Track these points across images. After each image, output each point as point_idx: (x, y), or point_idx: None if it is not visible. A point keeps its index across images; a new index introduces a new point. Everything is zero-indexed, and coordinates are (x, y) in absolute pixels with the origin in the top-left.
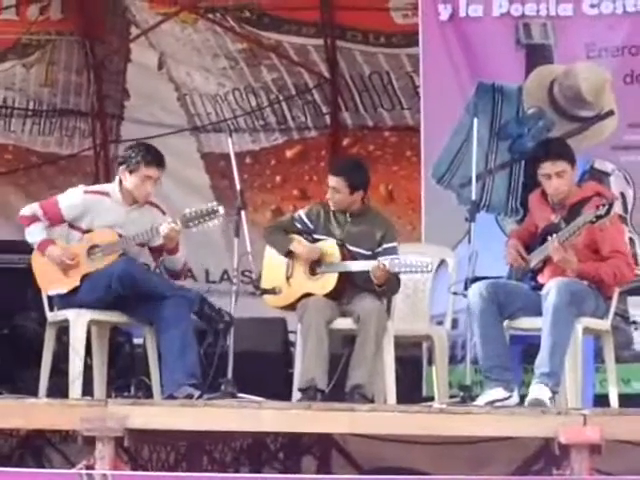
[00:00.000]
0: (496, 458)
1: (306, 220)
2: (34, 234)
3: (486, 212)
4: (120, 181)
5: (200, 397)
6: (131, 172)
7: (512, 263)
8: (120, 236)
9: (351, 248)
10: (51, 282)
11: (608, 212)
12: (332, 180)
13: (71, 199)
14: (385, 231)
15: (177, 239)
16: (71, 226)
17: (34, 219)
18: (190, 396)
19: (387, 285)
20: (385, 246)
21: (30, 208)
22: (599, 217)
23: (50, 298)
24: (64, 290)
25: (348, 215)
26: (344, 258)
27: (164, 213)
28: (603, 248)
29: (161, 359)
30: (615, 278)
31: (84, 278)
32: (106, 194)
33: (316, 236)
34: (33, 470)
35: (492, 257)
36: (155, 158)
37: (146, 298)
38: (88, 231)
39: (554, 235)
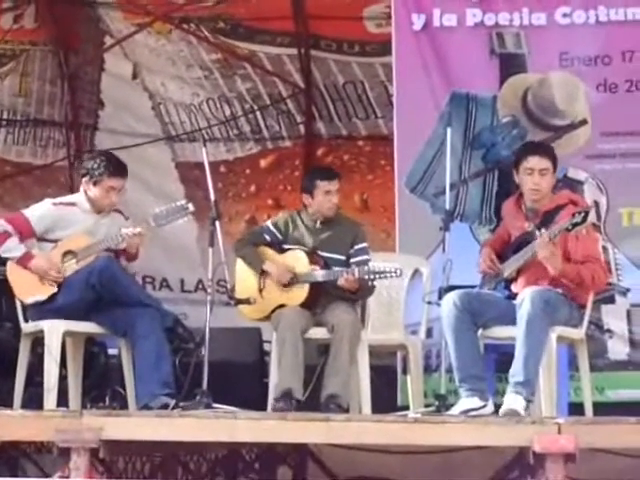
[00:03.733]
0: (471, 467)
1: (274, 230)
2: (12, 249)
3: (460, 221)
4: (85, 191)
5: (175, 406)
6: (95, 184)
7: (485, 271)
8: (92, 241)
9: (324, 254)
10: (29, 291)
11: (584, 220)
12: (335, 184)
13: (40, 212)
14: (355, 233)
15: (138, 245)
16: (40, 239)
17: (6, 235)
18: (166, 406)
19: (360, 291)
20: (356, 247)
21: None
22: (575, 225)
23: (25, 309)
24: (42, 298)
25: (318, 222)
26: (315, 266)
27: (127, 218)
28: (577, 254)
29: (135, 369)
30: (594, 281)
31: (61, 283)
32: (74, 204)
33: (285, 246)
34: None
35: (466, 266)
36: (118, 168)
37: (121, 303)
38: (58, 241)
39: (543, 231)
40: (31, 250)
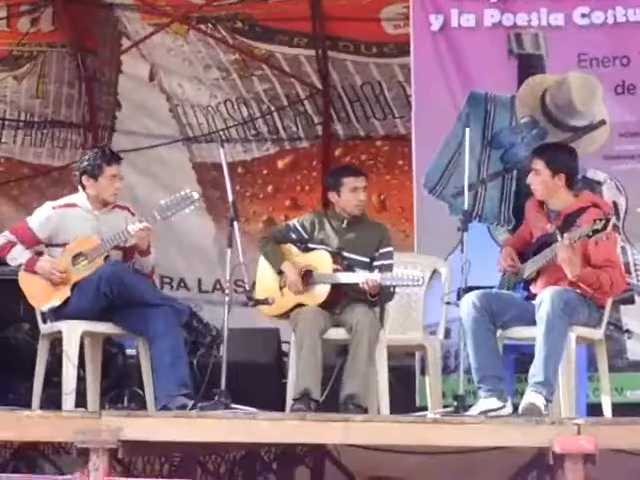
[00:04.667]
0: (490, 468)
1: (300, 229)
2: (18, 257)
3: (478, 222)
4: (84, 189)
5: (194, 407)
6: (96, 177)
7: (505, 270)
8: (100, 240)
9: (349, 255)
10: (43, 298)
11: (605, 227)
12: (362, 181)
13: (41, 217)
14: (381, 236)
15: (148, 238)
16: (48, 245)
17: (11, 245)
18: (184, 406)
19: (380, 295)
20: (382, 251)
21: (2, 237)
22: (596, 231)
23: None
24: (57, 303)
25: (345, 222)
26: (338, 267)
27: (133, 214)
28: (596, 258)
29: (152, 371)
30: (612, 287)
31: (74, 287)
32: (74, 205)
33: (310, 245)
34: (27, 475)
35: (485, 267)
36: (113, 156)
37: (135, 305)
38: (67, 244)
39: (565, 235)
40: (37, 255)
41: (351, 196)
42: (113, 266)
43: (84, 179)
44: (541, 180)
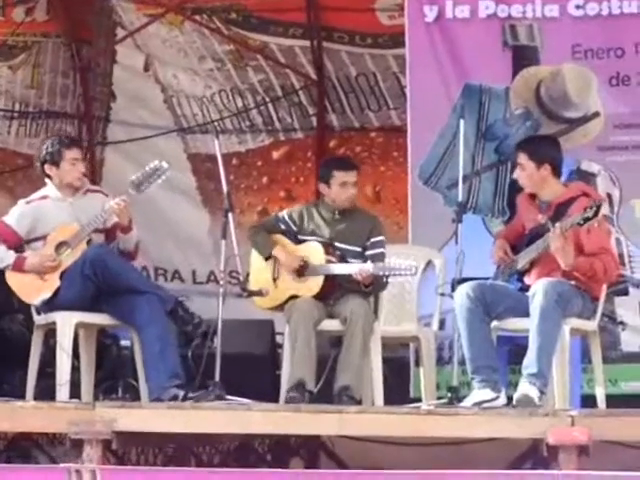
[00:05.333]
0: (484, 459)
1: (288, 221)
2: (4, 258)
3: (473, 213)
4: (50, 179)
5: (185, 397)
6: (57, 164)
7: (499, 263)
8: (80, 226)
9: (340, 245)
10: (33, 292)
11: (596, 214)
12: (352, 176)
13: (17, 214)
14: (372, 226)
15: (128, 214)
16: (28, 241)
17: None
18: (175, 397)
19: (373, 285)
20: (373, 240)
21: None
22: (587, 219)
23: None
24: (48, 295)
25: (336, 213)
26: (331, 258)
27: (107, 195)
28: (589, 246)
29: (144, 361)
30: (606, 273)
31: (62, 277)
32: (45, 197)
33: (300, 237)
34: (21, 465)
35: (479, 258)
36: (71, 140)
37: (120, 292)
38: (46, 236)
39: (556, 224)
40: (22, 254)
41: (340, 190)
42: (96, 249)
43: (46, 168)
44: (527, 174)
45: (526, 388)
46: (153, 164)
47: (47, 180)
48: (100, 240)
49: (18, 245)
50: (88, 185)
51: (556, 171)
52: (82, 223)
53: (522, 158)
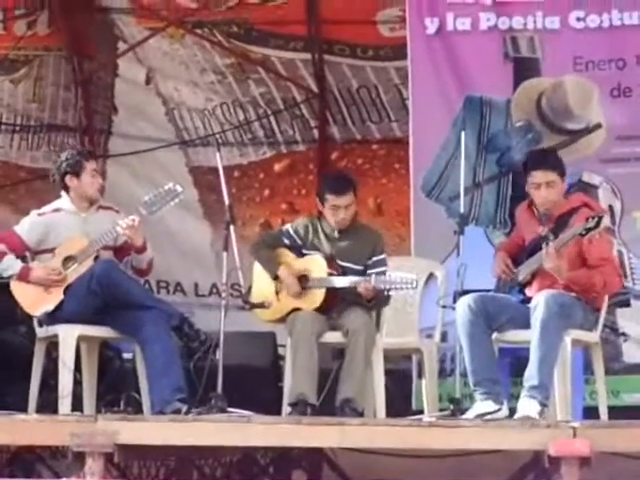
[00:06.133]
0: (486, 471)
1: (294, 235)
2: (11, 266)
3: (475, 225)
4: (67, 192)
5: (188, 411)
6: (78, 175)
7: (500, 276)
8: (89, 241)
9: (342, 263)
10: (36, 303)
11: (598, 224)
12: (344, 200)
13: (28, 224)
14: (374, 244)
15: (141, 234)
16: (37, 252)
17: (1, 255)
18: (178, 411)
19: (375, 300)
20: (375, 259)
21: None
22: (588, 230)
23: None
24: (51, 307)
25: (336, 231)
26: (333, 272)
27: (118, 212)
28: (591, 257)
29: (146, 375)
30: (605, 286)
31: (66, 290)
32: (58, 210)
33: (304, 251)
34: None
35: (481, 270)
36: (89, 152)
37: (125, 307)
38: (55, 249)
39: (549, 243)
40: (28, 264)
41: (332, 213)
42: (104, 264)
43: (67, 180)
44: (557, 191)
45: (526, 406)
46: (167, 186)
47: (63, 192)
48: (108, 257)
49: (23, 255)
50: (101, 201)
51: None
52: (91, 239)
53: (552, 176)
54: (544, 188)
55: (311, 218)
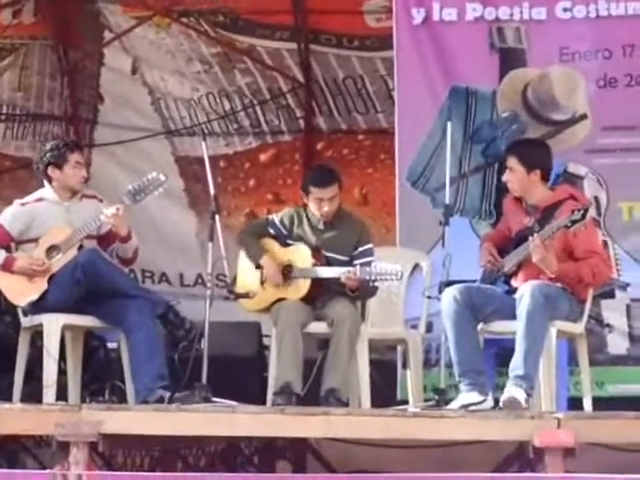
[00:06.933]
0: (470, 461)
1: (279, 225)
2: None
3: (460, 216)
4: (50, 182)
5: (171, 398)
6: (61, 166)
7: (485, 266)
8: (72, 230)
9: (327, 254)
10: (20, 293)
11: (583, 217)
12: (328, 192)
13: (10, 215)
14: (360, 234)
15: (126, 223)
16: (20, 242)
17: None
18: (161, 399)
19: (360, 291)
20: (361, 249)
21: None
22: (574, 222)
23: None
24: (35, 297)
25: (321, 222)
26: (317, 263)
27: (101, 201)
28: (578, 250)
29: (130, 364)
30: (594, 277)
31: (50, 280)
32: (41, 199)
33: (289, 241)
34: (7, 470)
35: (466, 261)
36: (75, 144)
37: (109, 295)
38: (38, 239)
39: (535, 235)
40: (12, 254)
41: (316, 206)
42: (88, 253)
43: (50, 170)
44: (516, 178)
45: (513, 391)
46: (151, 176)
47: (45, 182)
48: (92, 246)
49: (7, 245)
50: (85, 190)
51: (545, 177)
52: (75, 228)
53: (512, 162)
54: (507, 172)
55: (297, 209)
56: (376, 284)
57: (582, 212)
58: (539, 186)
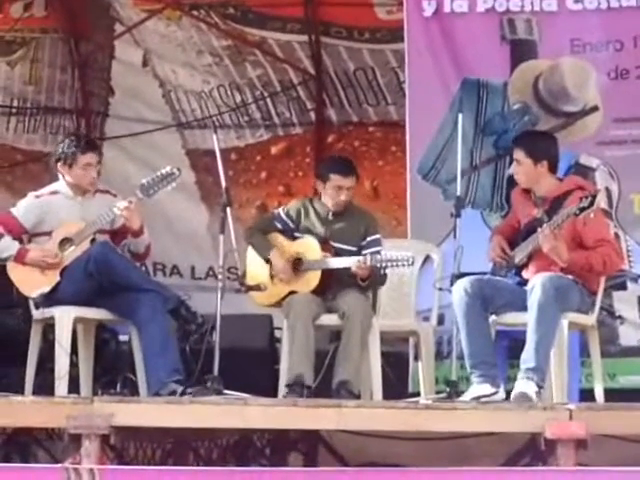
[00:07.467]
0: (483, 453)
1: (286, 219)
2: (7, 248)
3: (471, 208)
4: (63, 176)
5: (184, 392)
6: (70, 165)
7: (494, 259)
8: (86, 224)
9: (336, 245)
10: (33, 285)
11: (592, 204)
12: (348, 181)
13: (25, 206)
14: (367, 225)
15: (138, 217)
16: (34, 234)
17: None
18: (174, 392)
19: (371, 279)
20: (369, 239)
21: None
22: (582, 209)
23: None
24: (47, 289)
25: (330, 213)
26: (327, 254)
27: (115, 195)
28: (588, 239)
29: (143, 357)
30: (605, 266)
31: (63, 272)
32: (56, 192)
33: (297, 234)
34: (20, 465)
35: (477, 253)
36: (88, 144)
37: (122, 289)
38: (52, 232)
39: (544, 225)
40: (25, 246)
41: (333, 194)
42: (101, 246)
43: (59, 166)
44: (523, 170)
45: (523, 385)
46: (165, 170)
47: (60, 175)
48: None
49: (20, 237)
50: (98, 185)
51: (553, 168)
52: (88, 221)
53: (519, 154)
54: (515, 164)
55: (303, 201)
56: (387, 271)
57: (590, 199)
58: (547, 177)
